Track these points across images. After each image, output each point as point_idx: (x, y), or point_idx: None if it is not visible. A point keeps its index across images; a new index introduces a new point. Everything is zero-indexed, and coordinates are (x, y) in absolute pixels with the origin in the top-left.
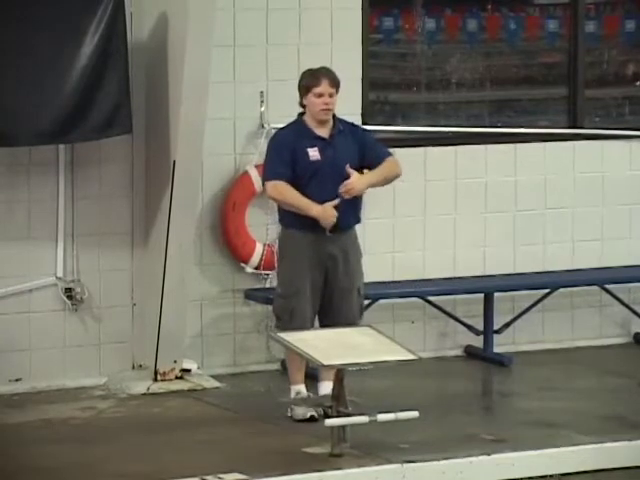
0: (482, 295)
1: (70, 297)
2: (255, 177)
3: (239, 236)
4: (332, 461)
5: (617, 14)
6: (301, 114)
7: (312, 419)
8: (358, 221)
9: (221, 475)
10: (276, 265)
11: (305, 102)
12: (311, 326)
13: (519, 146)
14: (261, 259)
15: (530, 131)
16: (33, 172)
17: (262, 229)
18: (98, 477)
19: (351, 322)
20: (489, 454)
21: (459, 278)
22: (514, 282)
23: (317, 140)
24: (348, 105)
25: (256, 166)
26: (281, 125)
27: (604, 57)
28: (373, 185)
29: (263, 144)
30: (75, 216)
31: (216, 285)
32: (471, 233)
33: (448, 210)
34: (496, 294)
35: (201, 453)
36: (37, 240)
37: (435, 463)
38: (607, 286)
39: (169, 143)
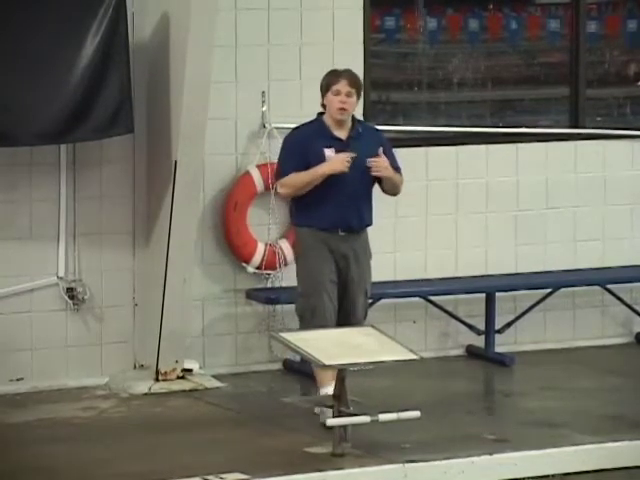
0: (483, 295)
1: (72, 297)
2: (257, 177)
3: (240, 236)
4: (334, 461)
5: (619, 14)
6: (320, 113)
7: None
8: (370, 223)
9: (222, 475)
10: (295, 265)
11: (325, 102)
12: (334, 324)
13: (520, 146)
14: (263, 259)
15: (531, 131)
16: (35, 172)
17: (264, 229)
18: (100, 477)
19: (357, 323)
20: (491, 454)
21: (460, 278)
22: (515, 282)
23: (334, 141)
24: None
25: (258, 166)
26: (282, 125)
27: (606, 57)
28: (390, 180)
29: (265, 144)
30: (77, 216)
31: (218, 285)
32: (472, 233)
33: (449, 210)
34: (497, 294)
35: (202, 453)
36: (39, 240)
37: (437, 463)
38: (609, 286)
39: (170, 143)
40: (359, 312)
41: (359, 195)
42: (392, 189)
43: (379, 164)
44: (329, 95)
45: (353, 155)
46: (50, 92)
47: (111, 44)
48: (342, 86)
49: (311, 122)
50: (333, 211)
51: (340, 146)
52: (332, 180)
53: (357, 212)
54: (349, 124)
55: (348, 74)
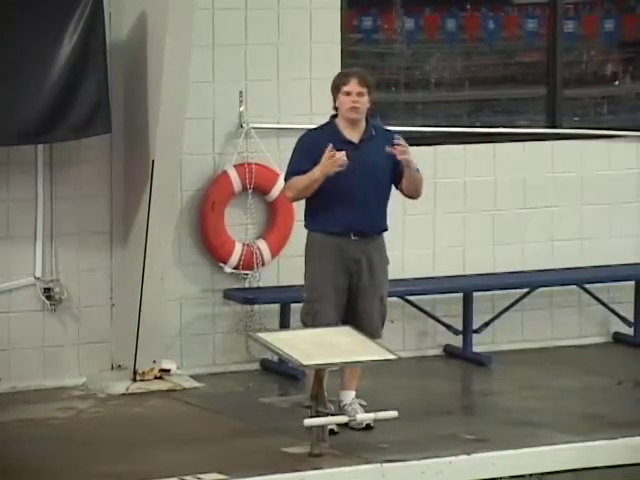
0: (461, 295)
1: (49, 297)
2: (234, 177)
3: (218, 236)
4: (312, 461)
5: (596, 14)
6: (333, 116)
7: (332, 432)
8: (385, 228)
9: (200, 475)
10: (304, 270)
11: (337, 104)
12: None
13: (498, 146)
14: (240, 259)
15: (509, 131)
16: (12, 172)
17: (241, 229)
18: (78, 477)
19: (372, 331)
20: (469, 454)
21: (438, 278)
22: (493, 282)
23: (345, 144)
24: (327, 105)
25: (235, 166)
26: (259, 125)
27: (583, 57)
28: (410, 172)
29: (242, 144)
30: (54, 216)
31: (195, 285)
32: (450, 233)
33: (427, 210)
34: (475, 294)
35: (180, 453)
36: (16, 240)
37: (415, 463)
38: (586, 285)
39: (148, 143)
40: (375, 319)
41: (372, 198)
42: (413, 190)
43: (400, 148)
44: (340, 96)
45: (342, 155)
46: (27, 92)
47: (88, 44)
48: (352, 86)
49: (324, 124)
50: (345, 215)
51: (351, 149)
52: (343, 184)
53: (369, 216)
54: (363, 125)
55: (357, 74)
